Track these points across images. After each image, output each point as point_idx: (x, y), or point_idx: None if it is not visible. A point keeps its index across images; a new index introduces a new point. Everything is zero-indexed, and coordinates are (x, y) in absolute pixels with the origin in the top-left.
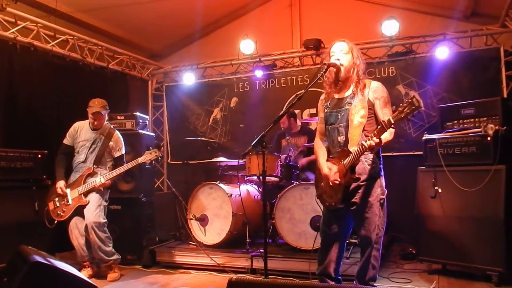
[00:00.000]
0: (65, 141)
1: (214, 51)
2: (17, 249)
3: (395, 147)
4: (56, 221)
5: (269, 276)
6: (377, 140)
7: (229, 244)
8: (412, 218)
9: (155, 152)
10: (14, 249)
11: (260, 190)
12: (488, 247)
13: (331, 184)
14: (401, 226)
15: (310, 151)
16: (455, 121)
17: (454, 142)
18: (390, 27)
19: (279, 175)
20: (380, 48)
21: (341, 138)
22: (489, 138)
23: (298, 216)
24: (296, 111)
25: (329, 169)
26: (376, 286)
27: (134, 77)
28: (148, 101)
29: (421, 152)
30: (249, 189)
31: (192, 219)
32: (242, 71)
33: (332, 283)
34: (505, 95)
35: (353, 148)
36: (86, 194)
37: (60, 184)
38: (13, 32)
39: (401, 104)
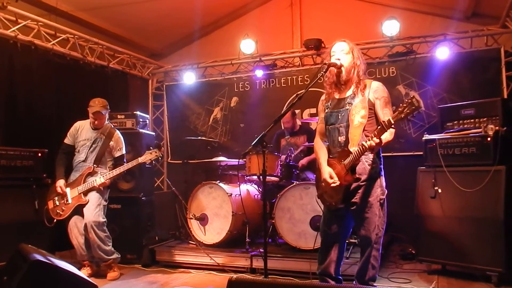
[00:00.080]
0: (66, 140)
1: (215, 51)
2: (17, 247)
3: (395, 147)
4: (55, 220)
5: (269, 276)
6: (377, 141)
7: (229, 243)
8: (412, 218)
9: (155, 152)
10: (14, 248)
11: (260, 189)
12: (487, 248)
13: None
14: (401, 226)
15: (310, 150)
16: (455, 122)
17: (454, 142)
18: (391, 27)
19: (279, 174)
20: (381, 48)
21: (342, 138)
22: (489, 139)
23: (298, 215)
24: (297, 111)
25: (329, 174)
26: (375, 286)
27: (134, 76)
28: (149, 100)
29: (421, 153)
30: (249, 189)
31: (192, 218)
32: (243, 71)
33: (333, 283)
34: (505, 96)
35: (353, 148)
36: (85, 193)
37: (60, 183)
38: (13, 31)
39: (401, 105)
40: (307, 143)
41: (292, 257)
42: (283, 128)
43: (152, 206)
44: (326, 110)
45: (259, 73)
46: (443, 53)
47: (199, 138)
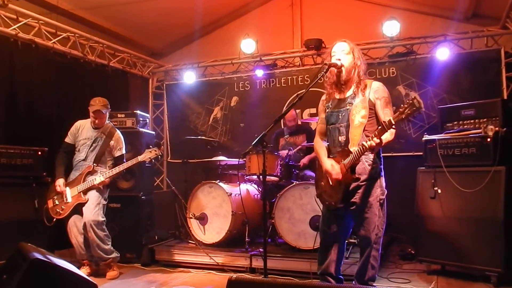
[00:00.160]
0: (67, 139)
1: (215, 50)
2: (17, 246)
3: (395, 148)
4: (55, 219)
5: (269, 276)
6: (378, 141)
7: (229, 243)
8: (412, 218)
9: (155, 150)
10: (13, 246)
11: (260, 189)
12: (487, 248)
13: (331, 183)
14: (401, 227)
15: (309, 150)
16: (455, 122)
17: (454, 143)
18: (391, 28)
19: (279, 174)
20: (381, 49)
21: (342, 138)
22: (489, 139)
23: (298, 215)
24: (297, 111)
25: (332, 165)
26: (375, 286)
27: (134, 75)
28: (149, 100)
29: (421, 153)
30: (249, 188)
31: (191, 218)
32: (243, 70)
33: (334, 282)
34: (505, 97)
35: (353, 148)
36: (85, 192)
37: (59, 182)
38: (14, 29)
39: (402, 105)
40: (306, 143)
41: (292, 257)
42: (286, 126)
43: (152, 205)
44: (327, 110)
45: (259, 72)
46: (443, 53)
47: (199, 137)
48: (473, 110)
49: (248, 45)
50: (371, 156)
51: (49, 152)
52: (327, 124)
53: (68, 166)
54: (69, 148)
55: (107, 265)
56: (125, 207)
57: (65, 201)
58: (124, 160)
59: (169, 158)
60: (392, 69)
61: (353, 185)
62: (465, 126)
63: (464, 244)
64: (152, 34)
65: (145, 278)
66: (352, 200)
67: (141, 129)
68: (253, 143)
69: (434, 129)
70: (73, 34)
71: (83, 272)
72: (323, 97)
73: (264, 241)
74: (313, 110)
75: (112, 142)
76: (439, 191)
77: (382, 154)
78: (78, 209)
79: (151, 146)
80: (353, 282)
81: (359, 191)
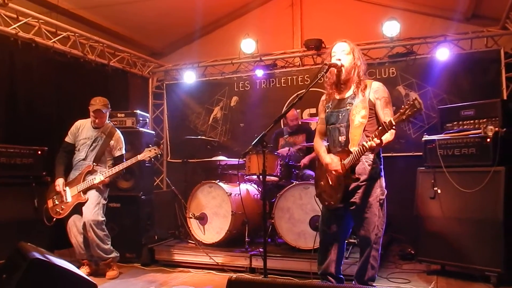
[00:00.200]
0: (67, 139)
1: (215, 50)
2: (16, 245)
3: (395, 148)
4: (54, 219)
5: (268, 276)
6: (378, 141)
7: (228, 243)
8: (411, 218)
9: (155, 149)
10: (13, 246)
11: (260, 189)
12: (487, 248)
13: (331, 182)
14: (400, 227)
15: (309, 149)
16: (455, 123)
17: (454, 143)
18: (391, 28)
19: (278, 174)
20: (381, 49)
21: (342, 138)
22: (488, 140)
23: (298, 215)
24: (297, 111)
25: (331, 159)
26: (375, 286)
27: (134, 74)
28: (149, 99)
29: (421, 153)
30: (249, 188)
31: (191, 217)
32: (243, 70)
33: (334, 281)
34: (505, 97)
35: (353, 148)
36: (85, 191)
37: (59, 182)
38: (14, 28)
39: (403, 106)
40: (305, 143)
41: (292, 257)
42: (287, 126)
43: (152, 205)
44: (327, 110)
45: (259, 72)
46: (443, 54)
47: (199, 137)
48: (473, 111)
49: (248, 45)
50: (371, 156)
51: (49, 152)
52: (327, 124)
53: (68, 165)
54: (69, 147)
55: (106, 264)
56: (125, 207)
57: (65, 200)
58: (124, 160)
59: (169, 158)
60: (392, 69)
61: (353, 185)
62: (465, 127)
63: (464, 244)
64: (152, 33)
65: (144, 278)
66: (352, 200)
67: (141, 129)
68: (253, 143)
69: (434, 129)
70: (73, 34)
71: (82, 272)
72: (323, 97)
73: (264, 241)
74: (313, 110)
75: (112, 142)
76: (439, 191)
77: (382, 154)
78: (78, 209)
79: (150, 145)
80: (353, 282)
81: (359, 191)
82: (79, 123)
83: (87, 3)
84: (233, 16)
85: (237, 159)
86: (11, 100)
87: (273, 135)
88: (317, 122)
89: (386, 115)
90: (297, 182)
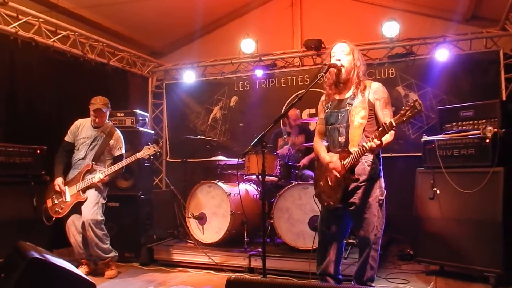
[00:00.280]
0: (66, 138)
1: (215, 50)
2: (15, 245)
3: (394, 148)
4: (54, 218)
5: (267, 276)
6: (378, 142)
7: (227, 243)
8: (410, 219)
9: (154, 147)
10: (11, 245)
11: (259, 189)
12: (486, 249)
13: (330, 182)
14: (399, 227)
15: (308, 150)
16: (454, 123)
17: (453, 144)
18: (391, 29)
19: (278, 174)
20: (381, 50)
21: (342, 139)
22: (487, 141)
23: (297, 216)
24: (297, 111)
25: (331, 157)
26: (374, 286)
27: (134, 74)
28: (148, 99)
29: (420, 154)
30: (248, 188)
31: (190, 217)
32: (243, 70)
33: (333, 282)
34: (504, 98)
35: (353, 149)
36: (84, 190)
37: (58, 181)
38: (14, 27)
39: (403, 107)
40: (305, 143)
41: (291, 257)
42: (287, 126)
43: (151, 205)
44: (326, 111)
45: (259, 72)
46: (442, 55)
47: (198, 137)
48: (472, 111)
49: (248, 45)
50: (370, 156)
51: (48, 151)
52: (326, 124)
53: (67, 165)
54: (69, 146)
55: (105, 264)
56: (124, 206)
57: (64, 200)
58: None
59: (168, 157)
60: (392, 69)
61: (352, 185)
62: (464, 127)
63: (463, 245)
64: (152, 33)
65: (143, 278)
66: (351, 200)
67: (140, 128)
68: (252, 143)
69: (433, 130)
70: (73, 33)
71: (81, 271)
72: (323, 98)
73: (263, 241)
74: (313, 111)
75: (112, 142)
76: (438, 192)
77: (381, 155)
78: (77, 208)
79: (149, 143)
80: (352, 282)
81: (358, 191)
82: (79, 122)
83: (87, 2)
84: (233, 16)
85: (237, 159)
86: (11, 99)
87: (272, 135)
88: (316, 123)
89: (386, 115)
90: (296, 182)
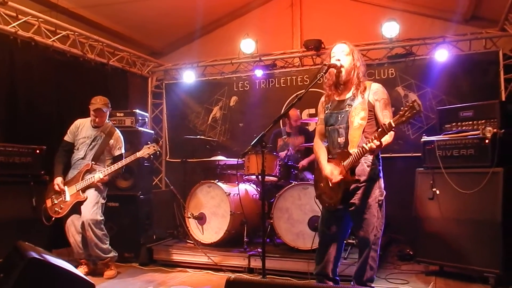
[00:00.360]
0: (66, 138)
1: (215, 50)
2: (14, 245)
3: (393, 149)
4: (53, 218)
5: (267, 276)
6: (378, 143)
7: (227, 243)
8: (410, 219)
9: (153, 146)
10: (11, 245)
11: (259, 189)
12: (485, 249)
13: (330, 184)
14: (399, 227)
15: (307, 151)
16: (454, 124)
17: (453, 144)
18: (390, 29)
19: (277, 174)
20: (380, 50)
21: (341, 140)
22: (487, 141)
23: (296, 216)
24: (297, 112)
25: (331, 172)
26: (373, 287)
27: (134, 74)
28: (148, 99)
29: (420, 154)
30: (248, 188)
31: (190, 217)
32: (242, 70)
33: (330, 283)
34: (503, 98)
35: (353, 150)
36: (84, 190)
37: (58, 180)
38: (14, 27)
39: (402, 108)
40: (306, 144)
41: (290, 257)
42: (287, 127)
43: (150, 205)
44: (326, 111)
45: (259, 73)
46: (442, 55)
47: (198, 137)
48: (471, 112)
49: (247, 45)
50: (370, 157)
51: (48, 151)
52: (326, 125)
53: (67, 164)
54: (68, 146)
55: (105, 264)
56: (123, 206)
57: (63, 199)
58: None
59: (167, 157)
60: (391, 70)
61: (352, 186)
62: (464, 128)
63: (462, 245)
64: (152, 33)
65: (143, 278)
66: (351, 201)
67: (140, 128)
68: (252, 143)
69: (432, 130)
70: (72, 33)
71: (80, 271)
72: (322, 98)
73: (263, 241)
74: (313, 111)
75: (111, 141)
76: (438, 192)
77: (381, 155)
78: (76, 208)
79: (149, 142)
80: (352, 283)
81: (358, 192)
82: (78, 122)
83: (87, 2)
84: (233, 16)
85: (236, 159)
86: (10, 99)
87: (271, 136)
88: (316, 123)
89: (386, 116)
90: (296, 182)
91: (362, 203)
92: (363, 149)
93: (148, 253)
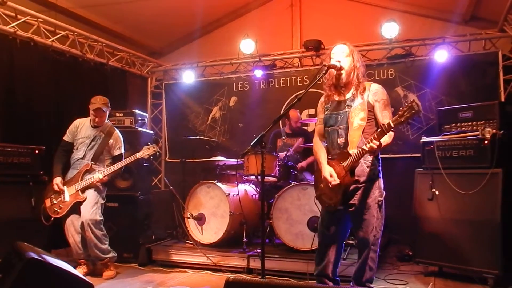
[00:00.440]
0: (65, 138)
1: (214, 50)
2: (13, 245)
3: (393, 149)
4: (52, 218)
5: (266, 276)
6: (377, 143)
7: (226, 243)
8: (409, 220)
9: (153, 147)
10: (9, 245)
11: (258, 190)
12: (484, 250)
13: (330, 185)
14: (398, 228)
15: (306, 151)
16: (453, 124)
17: (452, 145)
18: (390, 30)
19: (277, 175)
20: (380, 50)
21: (341, 140)
22: (486, 142)
23: (296, 216)
24: (298, 112)
25: (330, 175)
26: (372, 287)
27: (133, 74)
28: (147, 99)
29: (419, 155)
30: (247, 189)
31: (189, 217)
32: (242, 71)
33: (330, 283)
34: (502, 99)
35: (352, 150)
36: (83, 190)
37: (57, 180)
38: (13, 27)
39: (401, 108)
40: (305, 145)
41: (289, 258)
42: (286, 127)
43: (150, 205)
44: (326, 112)
45: (258, 73)
46: (441, 56)
47: (198, 137)
48: (471, 113)
49: (247, 46)
50: (369, 158)
51: (47, 151)
52: (326, 126)
53: (66, 164)
54: (68, 146)
55: (104, 264)
56: (122, 207)
57: (62, 199)
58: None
59: (167, 157)
60: (391, 70)
61: (352, 187)
62: (463, 128)
63: (462, 246)
64: (151, 33)
65: (142, 278)
66: (351, 201)
67: (139, 129)
68: (251, 144)
69: (432, 131)
70: (72, 33)
71: (79, 272)
72: (322, 98)
73: (262, 242)
74: (312, 111)
75: (111, 141)
76: (437, 192)
77: (380, 156)
78: (76, 209)
79: (149, 143)
80: (351, 283)
81: (357, 192)
82: (78, 122)
83: (86, 2)
84: (233, 16)
85: (236, 159)
86: (9, 98)
87: (271, 136)
88: (315, 123)
89: (385, 117)
90: (295, 183)
91: (361, 203)
92: (363, 150)
93: (147, 254)
